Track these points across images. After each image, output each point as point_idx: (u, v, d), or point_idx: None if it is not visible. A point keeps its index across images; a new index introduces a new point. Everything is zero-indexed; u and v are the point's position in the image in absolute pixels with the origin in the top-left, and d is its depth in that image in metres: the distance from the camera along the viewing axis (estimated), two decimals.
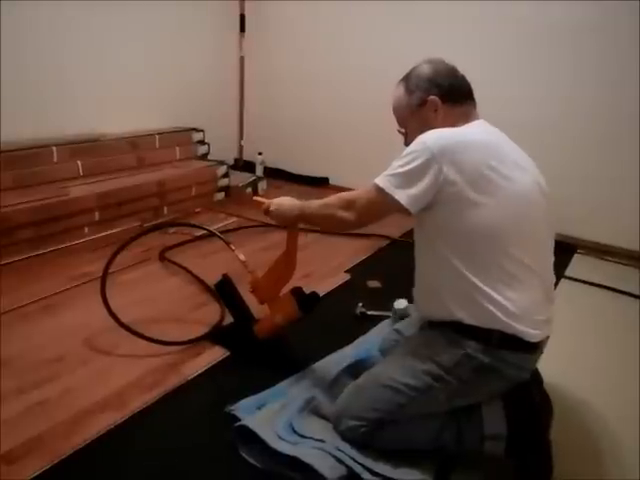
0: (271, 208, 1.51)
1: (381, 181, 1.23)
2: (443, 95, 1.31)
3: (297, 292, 1.58)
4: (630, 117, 2.66)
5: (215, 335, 1.75)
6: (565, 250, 2.76)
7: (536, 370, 1.42)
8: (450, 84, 1.32)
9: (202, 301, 2.03)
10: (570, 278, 2.48)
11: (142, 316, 1.82)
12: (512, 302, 1.17)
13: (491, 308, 1.17)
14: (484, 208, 1.17)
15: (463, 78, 1.36)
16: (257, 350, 1.64)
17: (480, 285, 1.18)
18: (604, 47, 2.65)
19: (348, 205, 1.31)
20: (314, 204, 1.41)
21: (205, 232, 2.63)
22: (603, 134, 2.76)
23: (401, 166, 1.21)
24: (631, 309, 2.25)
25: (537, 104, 2.88)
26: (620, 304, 2.30)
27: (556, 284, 2.30)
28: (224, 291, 1.75)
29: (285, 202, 1.50)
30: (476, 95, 1.37)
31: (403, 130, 1.40)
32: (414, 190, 1.18)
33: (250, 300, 1.72)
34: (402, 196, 1.19)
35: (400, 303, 1.86)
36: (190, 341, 1.71)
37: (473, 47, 2.94)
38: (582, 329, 2.04)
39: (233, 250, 1.71)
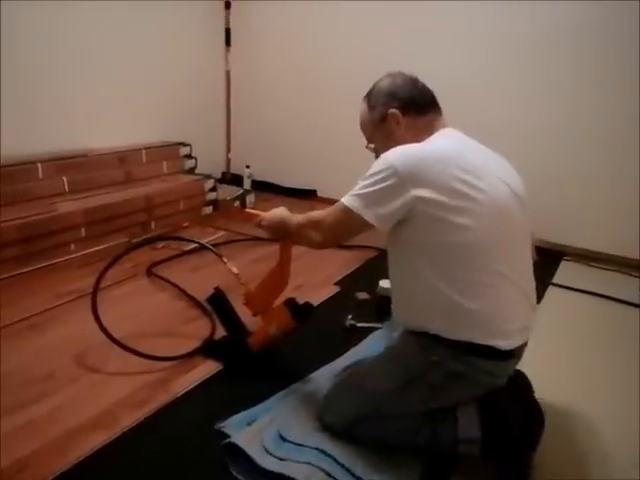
0: (263, 222, 1.52)
1: (348, 201, 1.24)
2: (404, 107, 1.33)
3: (291, 303, 1.58)
4: (624, 125, 2.68)
5: (208, 349, 1.74)
6: (552, 257, 2.78)
7: (525, 378, 1.43)
8: (410, 96, 1.33)
9: (192, 316, 2.01)
10: (558, 285, 2.50)
11: (132, 332, 1.80)
12: (484, 313, 1.18)
13: (461, 320, 1.18)
14: (456, 221, 1.17)
15: (424, 88, 1.37)
16: (251, 362, 1.64)
17: (453, 297, 1.18)
18: (604, 51, 2.67)
19: (316, 225, 1.34)
20: (292, 221, 1.43)
21: (194, 246, 2.63)
22: (593, 142, 2.79)
23: (367, 186, 1.21)
24: (619, 315, 2.27)
25: (527, 112, 2.90)
26: (608, 310, 2.31)
27: (544, 291, 2.35)
28: (217, 304, 1.74)
29: (277, 214, 1.50)
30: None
31: (372, 146, 1.41)
32: (383, 210, 1.19)
33: (243, 312, 1.71)
34: (371, 216, 1.20)
35: (386, 282, 1.88)
36: (182, 356, 1.69)
37: (465, 53, 2.98)
38: (570, 336, 2.05)
39: (225, 263, 1.70)
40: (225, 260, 1.71)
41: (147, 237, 2.77)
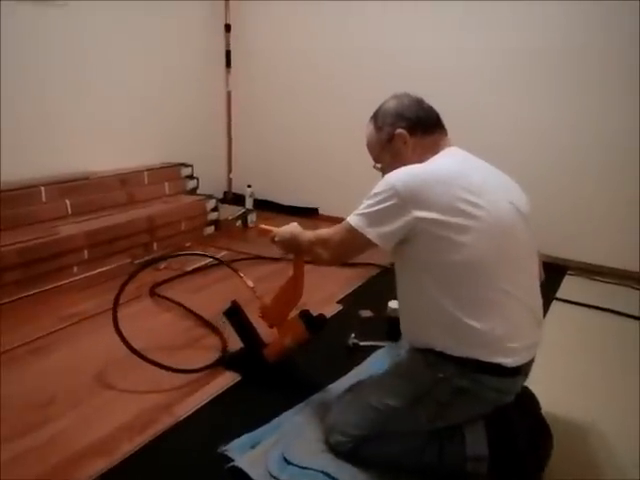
0: (276, 238, 1.55)
1: (353, 220, 1.26)
2: (410, 127, 1.35)
3: (305, 315, 1.63)
4: (624, 141, 2.69)
5: (227, 360, 1.78)
6: (556, 272, 2.77)
7: (532, 396, 1.42)
8: (416, 116, 1.36)
9: (199, 334, 2.02)
10: (561, 300, 2.48)
11: (140, 350, 1.79)
12: (489, 331, 1.18)
13: (466, 340, 1.19)
14: (457, 239, 1.18)
15: (430, 109, 1.39)
16: (268, 373, 1.68)
17: (458, 315, 1.19)
18: (604, 71, 2.69)
19: (323, 243, 1.36)
20: (303, 237, 1.46)
21: (196, 266, 2.64)
22: (594, 157, 2.80)
23: (371, 205, 1.24)
24: (624, 328, 2.25)
25: (528, 129, 2.92)
26: (612, 324, 2.30)
27: (548, 306, 2.34)
28: (234, 317, 1.77)
29: (289, 230, 1.52)
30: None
31: (379, 165, 1.43)
32: (386, 229, 1.22)
33: (258, 325, 1.75)
34: (374, 235, 1.22)
35: (395, 303, 1.88)
36: (203, 368, 1.73)
37: (463, 71, 3.00)
38: (575, 350, 2.04)
39: (242, 277, 1.76)
40: (241, 275, 1.76)
41: (162, 254, 2.81)
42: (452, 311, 1.19)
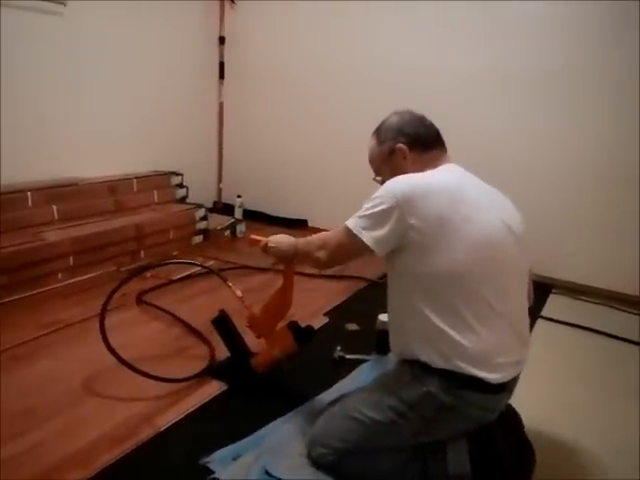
0: (269, 245, 1.56)
1: (350, 223, 1.30)
2: (410, 143, 1.38)
3: (293, 326, 1.63)
4: (616, 159, 2.72)
5: (213, 370, 1.77)
6: (541, 290, 2.79)
7: (515, 413, 1.42)
8: (417, 132, 1.39)
9: (186, 343, 2.00)
10: (546, 318, 2.50)
11: (127, 359, 1.77)
12: (471, 344, 1.19)
13: (450, 352, 1.20)
14: (446, 252, 1.20)
15: (431, 126, 1.43)
16: (254, 383, 1.68)
17: (442, 327, 1.20)
18: (602, 88, 2.72)
19: (322, 245, 1.39)
20: (301, 240, 1.49)
21: (182, 275, 2.63)
22: (583, 177, 2.83)
23: (368, 209, 1.27)
24: (607, 348, 2.27)
25: (519, 147, 2.95)
26: (596, 343, 2.32)
27: (532, 324, 2.35)
28: (222, 326, 1.76)
29: (282, 240, 1.55)
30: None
31: (379, 178, 1.46)
32: (379, 232, 1.24)
33: (246, 335, 1.75)
34: (368, 238, 1.25)
35: (384, 316, 1.87)
36: (190, 377, 1.71)
37: (456, 95, 3.04)
38: (558, 368, 2.05)
39: (230, 286, 1.75)
40: (230, 284, 1.75)
41: (149, 262, 2.79)
42: (436, 323, 1.21)
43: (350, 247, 1.31)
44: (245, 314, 1.70)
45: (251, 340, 1.75)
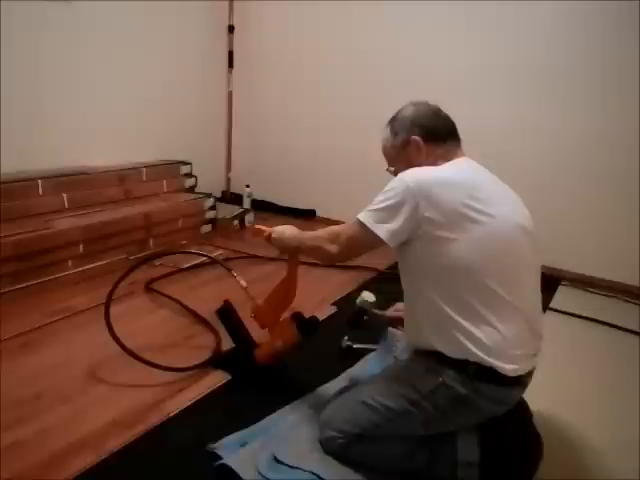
0: (273, 236, 1.56)
1: (362, 216, 1.29)
2: (425, 135, 1.37)
3: (297, 317, 1.62)
4: (623, 153, 2.70)
5: (216, 360, 1.77)
6: (549, 282, 2.78)
7: (525, 404, 1.42)
8: (432, 125, 1.38)
9: (194, 332, 2.02)
10: (555, 310, 2.49)
11: (133, 348, 1.78)
12: (488, 336, 1.19)
13: (466, 342, 1.19)
14: (460, 244, 1.20)
15: (446, 118, 1.41)
16: (257, 374, 1.68)
17: (457, 318, 1.20)
18: (607, 84, 2.70)
19: (334, 238, 1.37)
20: (308, 234, 1.48)
21: (191, 264, 2.64)
22: (592, 169, 2.81)
23: (381, 201, 1.26)
24: (616, 341, 2.26)
25: (526, 141, 2.93)
26: (605, 336, 2.30)
27: None
28: (226, 317, 1.77)
29: (286, 231, 1.54)
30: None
31: (392, 169, 1.45)
32: (392, 225, 1.23)
33: (250, 325, 1.74)
34: (381, 231, 1.24)
35: (368, 294, 1.90)
36: (192, 367, 1.72)
37: (462, 90, 3.01)
38: (567, 361, 2.04)
39: (235, 276, 1.73)
40: (235, 274, 1.74)
41: (157, 251, 2.79)
42: (451, 315, 1.20)
43: (363, 240, 1.31)
44: (249, 305, 1.70)
45: (256, 331, 1.75)
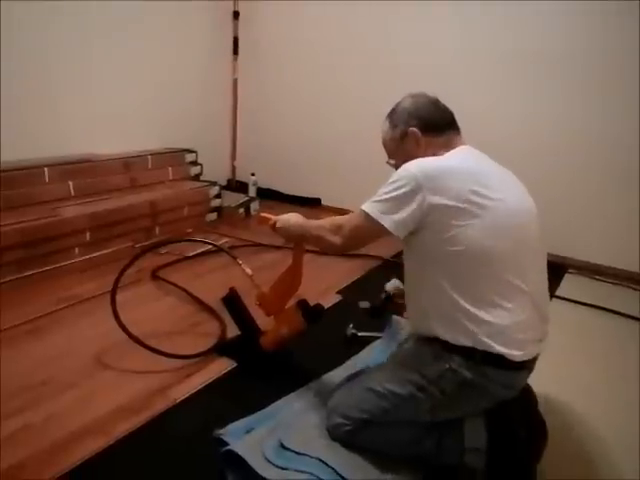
0: (278, 225, 1.56)
1: (367, 207, 1.28)
2: (423, 126, 1.38)
3: (302, 304, 1.62)
4: (626, 142, 2.69)
5: (222, 347, 1.79)
6: (556, 270, 2.76)
7: (531, 391, 1.42)
8: (430, 116, 1.39)
9: (199, 320, 2.02)
10: (561, 298, 2.48)
11: (139, 335, 1.79)
12: (496, 321, 1.19)
13: (473, 327, 1.19)
14: (469, 230, 1.20)
15: (445, 109, 1.42)
16: (263, 361, 1.69)
17: (463, 304, 1.20)
18: (611, 74, 2.68)
19: (337, 229, 1.36)
20: (311, 224, 1.48)
21: (196, 252, 2.65)
22: (597, 156, 2.79)
23: (387, 192, 1.26)
24: (623, 328, 2.25)
25: (532, 128, 2.91)
26: (611, 323, 2.29)
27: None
28: (231, 304, 1.78)
29: (291, 219, 1.54)
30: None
31: (392, 162, 1.45)
32: (399, 215, 1.23)
33: (255, 313, 1.76)
34: (388, 222, 1.24)
35: (393, 283, 1.91)
36: (198, 354, 1.73)
37: (467, 78, 2.99)
38: (573, 349, 2.04)
39: (240, 264, 1.75)
40: (240, 262, 1.76)
41: (164, 239, 2.83)
42: (459, 300, 1.21)
43: (368, 231, 1.31)
44: (255, 292, 1.70)
45: (261, 319, 1.76)
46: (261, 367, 1.68)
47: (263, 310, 1.71)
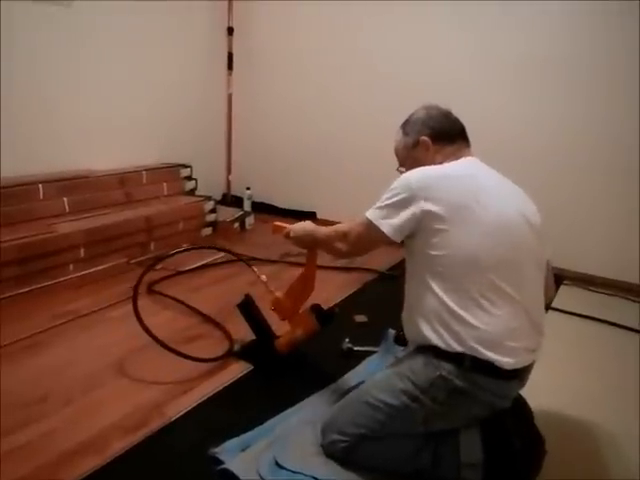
0: (291, 234, 1.65)
1: (370, 213, 1.36)
2: (434, 136, 1.44)
3: (316, 308, 1.72)
4: (622, 154, 2.71)
5: (239, 351, 1.85)
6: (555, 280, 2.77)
7: (525, 404, 1.42)
8: (441, 126, 1.46)
9: (198, 333, 2.03)
10: (557, 309, 2.49)
11: (142, 347, 1.80)
12: (486, 327, 1.21)
13: (463, 333, 1.21)
14: (461, 235, 1.24)
15: (455, 121, 1.48)
16: (278, 363, 1.77)
17: (455, 309, 1.23)
18: (610, 80, 2.71)
19: (343, 236, 1.46)
20: (321, 232, 1.58)
21: (191, 267, 2.65)
22: (593, 167, 2.81)
23: (386, 199, 1.34)
24: (618, 339, 2.26)
25: (529, 138, 2.94)
26: (607, 335, 2.30)
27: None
28: (247, 310, 1.83)
29: (305, 227, 1.64)
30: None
31: (403, 169, 1.50)
32: (396, 220, 1.30)
33: (269, 318, 1.83)
34: (386, 227, 1.31)
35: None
36: (217, 358, 1.78)
37: (470, 81, 3.02)
38: (569, 360, 2.04)
39: (255, 271, 1.88)
40: (255, 269, 1.90)
41: (178, 249, 2.74)
42: (450, 305, 1.23)
43: (370, 237, 1.38)
44: (270, 298, 1.78)
45: (275, 324, 1.82)
46: (276, 369, 1.75)
47: (278, 314, 1.79)
